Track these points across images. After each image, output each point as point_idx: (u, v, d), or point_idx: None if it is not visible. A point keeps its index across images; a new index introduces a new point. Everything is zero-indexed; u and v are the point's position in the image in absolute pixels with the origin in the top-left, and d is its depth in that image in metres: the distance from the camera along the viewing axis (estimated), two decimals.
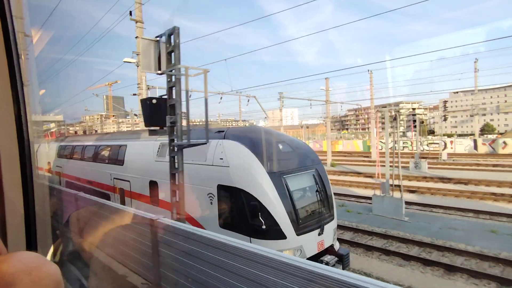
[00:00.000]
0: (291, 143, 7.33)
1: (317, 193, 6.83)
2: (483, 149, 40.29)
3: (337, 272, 2.86)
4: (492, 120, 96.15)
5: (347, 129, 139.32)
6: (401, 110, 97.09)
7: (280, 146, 6.94)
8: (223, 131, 7.19)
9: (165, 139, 8.19)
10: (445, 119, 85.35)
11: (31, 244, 1.27)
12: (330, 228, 6.84)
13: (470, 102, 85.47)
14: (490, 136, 58.79)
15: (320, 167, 7.34)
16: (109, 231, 6.36)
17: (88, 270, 6.19)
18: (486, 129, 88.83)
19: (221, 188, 6.47)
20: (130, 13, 14.53)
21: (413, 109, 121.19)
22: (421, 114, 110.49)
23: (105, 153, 11.72)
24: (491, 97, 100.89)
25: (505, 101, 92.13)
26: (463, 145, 42.31)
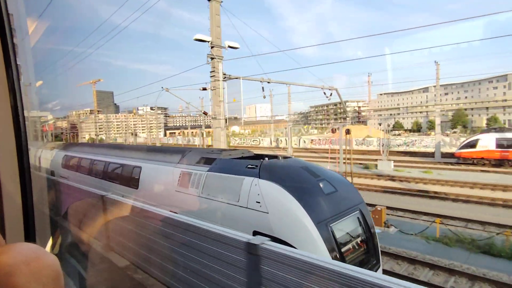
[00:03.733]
0: (333, 181, 6.50)
1: (364, 239, 6.12)
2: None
3: (336, 264, 2.90)
4: (404, 118, 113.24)
5: (309, 124, 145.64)
6: (347, 108, 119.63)
7: (322, 186, 6.16)
8: (255, 166, 6.47)
9: (187, 166, 7.70)
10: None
11: (30, 236, 1.28)
12: None
13: (389, 103, 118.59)
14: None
15: (363, 206, 6.60)
16: (108, 223, 6.39)
17: (87, 261, 6.23)
18: (395, 126, 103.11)
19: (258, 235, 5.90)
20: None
21: (359, 107, 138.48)
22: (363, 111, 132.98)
23: (117, 171, 10.62)
24: (403, 99, 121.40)
25: (411, 103, 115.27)
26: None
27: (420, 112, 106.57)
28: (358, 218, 6.23)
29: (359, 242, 6.01)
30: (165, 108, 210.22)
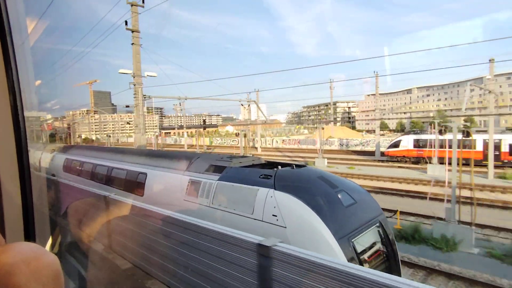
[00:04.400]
0: (351, 191, 6.18)
1: (386, 253, 5.84)
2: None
3: (337, 262, 2.90)
4: (389, 119, 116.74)
5: (301, 123, 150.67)
6: (337, 109, 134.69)
7: (341, 197, 5.85)
8: (270, 176, 6.13)
9: (196, 174, 7.35)
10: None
11: (29, 235, 1.28)
12: None
13: (376, 104, 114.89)
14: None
15: (383, 217, 6.29)
16: (107, 222, 6.39)
17: (87, 260, 6.23)
18: (381, 127, 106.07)
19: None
20: (126, 23, 16.02)
21: (349, 107, 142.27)
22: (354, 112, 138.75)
23: (121, 177, 10.19)
24: (389, 100, 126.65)
25: (396, 104, 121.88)
26: None
27: (404, 113, 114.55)
28: (378, 231, 5.93)
29: (380, 256, 5.74)
30: (161, 109, 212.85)
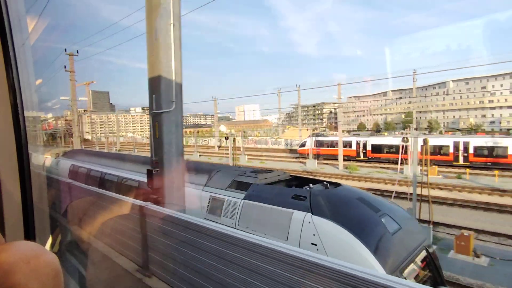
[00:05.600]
0: (394, 215, 5.52)
1: (434, 283, 5.33)
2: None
3: (335, 262, 2.90)
4: (367, 120, 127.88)
5: (292, 124, 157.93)
6: (323, 110, 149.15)
7: (385, 223, 5.19)
8: (304, 197, 5.52)
9: (217, 191, 6.90)
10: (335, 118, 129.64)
11: (29, 234, 1.28)
12: None
13: (355, 106, 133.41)
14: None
15: (428, 242, 5.73)
16: (108, 221, 6.40)
17: (87, 259, 6.24)
18: (359, 127, 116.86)
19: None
20: (65, 67, 20.70)
21: (335, 108, 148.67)
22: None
23: (132, 188, 9.55)
24: (367, 102, 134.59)
25: (372, 106, 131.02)
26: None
27: (381, 115, 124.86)
28: (426, 258, 5.29)
29: (427, 283, 5.21)
30: None
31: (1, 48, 1.12)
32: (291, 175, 7.63)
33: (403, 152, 24.14)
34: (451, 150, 30.01)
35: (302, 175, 8.13)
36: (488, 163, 27.99)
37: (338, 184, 6.44)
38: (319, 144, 39.36)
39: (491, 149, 27.93)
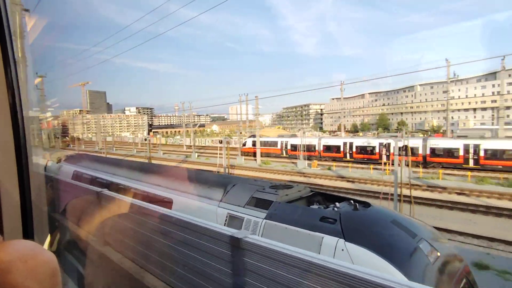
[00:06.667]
0: (430, 239, 5.04)
1: None
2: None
3: (335, 263, 2.91)
4: (347, 121, 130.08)
5: (281, 124, 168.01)
6: (310, 111, 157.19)
7: (424, 249, 4.70)
8: (334, 220, 5.07)
9: (235, 208, 6.36)
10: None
11: (28, 233, 1.28)
12: None
13: (337, 107, 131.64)
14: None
15: (468, 269, 5.22)
16: (106, 220, 6.39)
17: (85, 258, 6.24)
18: (338, 127, 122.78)
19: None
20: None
21: (321, 109, 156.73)
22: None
23: (142, 200, 8.09)
24: (347, 103, 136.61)
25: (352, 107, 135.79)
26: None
27: (359, 116, 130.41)
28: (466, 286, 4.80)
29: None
30: (151, 109, 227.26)
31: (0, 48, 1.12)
32: (312, 191, 7.10)
33: (305, 149, 38.04)
34: (342, 148, 40.10)
35: (323, 191, 7.51)
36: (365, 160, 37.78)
37: (366, 203, 5.97)
38: (255, 143, 45.39)
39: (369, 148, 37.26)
